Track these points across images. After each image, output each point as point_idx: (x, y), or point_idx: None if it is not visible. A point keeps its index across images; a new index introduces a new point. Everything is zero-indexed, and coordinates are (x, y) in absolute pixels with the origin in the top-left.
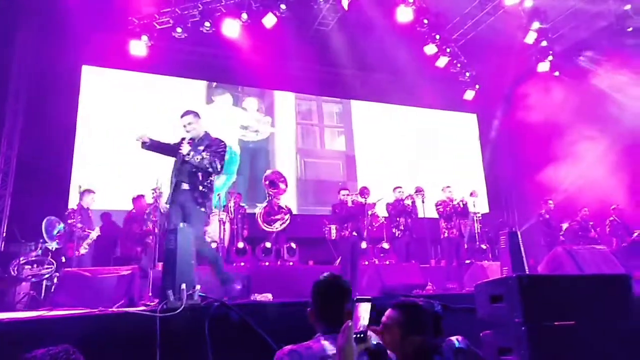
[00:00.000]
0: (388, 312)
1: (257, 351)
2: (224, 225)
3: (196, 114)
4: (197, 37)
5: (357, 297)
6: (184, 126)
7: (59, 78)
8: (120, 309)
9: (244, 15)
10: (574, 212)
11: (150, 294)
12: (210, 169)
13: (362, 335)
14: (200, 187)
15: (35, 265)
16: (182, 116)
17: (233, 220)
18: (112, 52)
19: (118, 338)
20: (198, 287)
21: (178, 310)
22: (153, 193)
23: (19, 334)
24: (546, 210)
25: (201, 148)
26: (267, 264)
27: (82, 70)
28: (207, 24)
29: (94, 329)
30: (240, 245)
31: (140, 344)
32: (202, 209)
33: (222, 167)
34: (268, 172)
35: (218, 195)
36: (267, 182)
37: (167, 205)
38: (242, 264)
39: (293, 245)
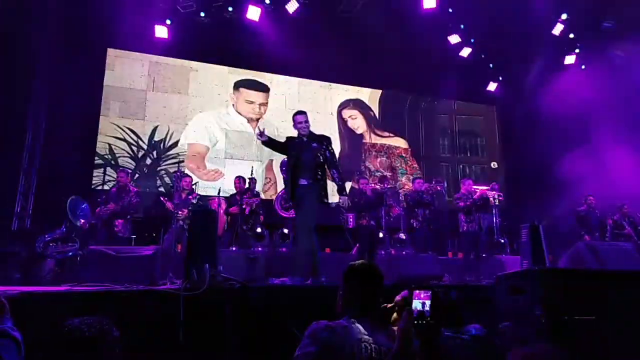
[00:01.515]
0: (403, 292)
1: (275, 332)
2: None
3: (307, 114)
4: (220, 22)
5: (413, 285)
6: (300, 123)
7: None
8: (145, 287)
9: (267, 0)
10: (612, 209)
11: (170, 274)
12: (325, 164)
13: (423, 322)
14: (322, 182)
15: (59, 243)
16: (297, 115)
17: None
18: (137, 35)
19: (142, 314)
20: (220, 268)
21: (201, 290)
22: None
23: (51, 305)
24: (587, 207)
25: (316, 145)
26: (284, 249)
27: (107, 53)
28: (229, 8)
29: (120, 304)
30: (258, 230)
31: (164, 321)
32: (325, 201)
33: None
34: (284, 158)
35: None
36: (284, 169)
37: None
38: (259, 248)
39: (285, 230)
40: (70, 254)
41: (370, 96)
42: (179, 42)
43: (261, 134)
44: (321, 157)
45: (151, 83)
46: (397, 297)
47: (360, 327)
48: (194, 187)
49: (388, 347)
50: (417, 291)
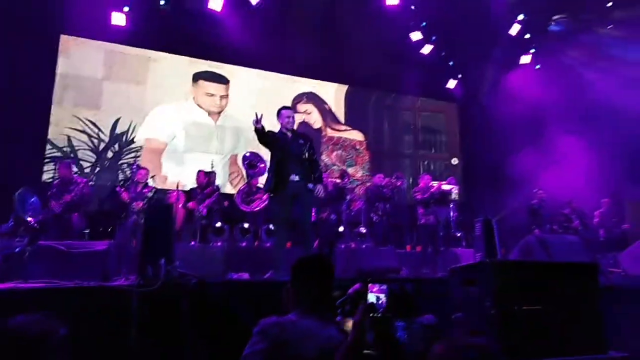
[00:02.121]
0: (355, 285)
1: (233, 328)
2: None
3: (292, 109)
4: (180, 11)
5: (370, 279)
6: (287, 118)
7: (35, 46)
8: (97, 283)
9: None
10: (561, 203)
11: (124, 270)
12: (313, 159)
13: (377, 315)
14: (312, 177)
15: (6, 238)
16: (283, 109)
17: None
18: (92, 22)
19: (94, 312)
20: (177, 263)
21: (156, 286)
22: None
23: None
24: (538, 201)
25: (302, 141)
26: (244, 244)
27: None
28: None
29: (70, 301)
30: (218, 224)
31: (117, 319)
32: (316, 195)
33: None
34: (246, 153)
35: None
36: (245, 163)
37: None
38: (219, 243)
39: (271, 226)
40: (18, 249)
41: (336, 91)
42: (138, 31)
43: (258, 120)
44: (306, 154)
45: (108, 72)
46: (350, 290)
47: (310, 322)
48: (151, 180)
49: (339, 340)
50: (372, 285)
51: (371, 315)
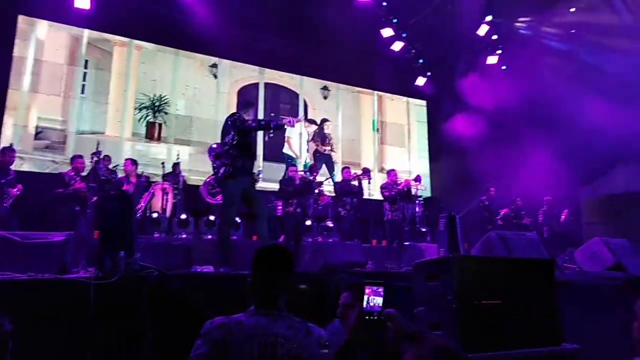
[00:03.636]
0: (344, 294)
1: (195, 322)
2: (167, 196)
3: None
4: None
5: (366, 281)
6: (248, 106)
7: None
8: (52, 276)
9: None
10: (509, 200)
11: (84, 262)
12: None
13: (373, 318)
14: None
15: None
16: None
17: (176, 191)
18: (54, 4)
19: (49, 306)
20: (138, 255)
21: (114, 279)
22: (93, 157)
23: None
24: (487, 197)
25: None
26: (209, 237)
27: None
28: None
29: (22, 295)
30: (183, 216)
31: (72, 313)
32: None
33: None
34: (213, 144)
35: (162, 163)
36: (212, 155)
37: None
38: (184, 235)
39: (237, 219)
40: None
41: (305, 84)
42: (103, 15)
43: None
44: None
45: (70, 57)
46: (341, 300)
47: (260, 320)
48: (113, 169)
49: (286, 337)
50: (368, 286)
51: (367, 318)
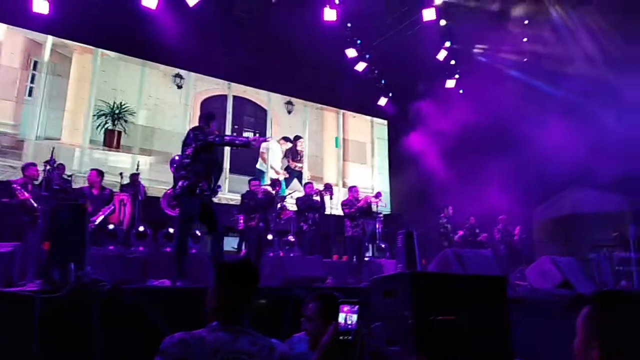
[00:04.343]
0: (310, 305)
1: (149, 337)
2: (124, 207)
3: None
4: (111, 4)
5: (342, 299)
6: (210, 117)
7: None
8: None
9: None
10: (465, 219)
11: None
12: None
13: (348, 339)
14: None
15: None
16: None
17: (135, 203)
18: (12, 7)
19: None
20: (88, 268)
21: (63, 292)
22: (46, 165)
23: None
24: (445, 215)
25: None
26: (168, 249)
27: None
28: None
29: None
30: (141, 228)
31: (15, 329)
32: None
33: None
34: (175, 156)
35: (121, 173)
36: (174, 166)
37: None
38: (141, 248)
39: (197, 232)
40: None
41: (269, 99)
42: (63, 20)
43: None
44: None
45: (25, 61)
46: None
47: (220, 335)
48: (68, 178)
49: (250, 354)
50: (343, 304)
51: (341, 338)
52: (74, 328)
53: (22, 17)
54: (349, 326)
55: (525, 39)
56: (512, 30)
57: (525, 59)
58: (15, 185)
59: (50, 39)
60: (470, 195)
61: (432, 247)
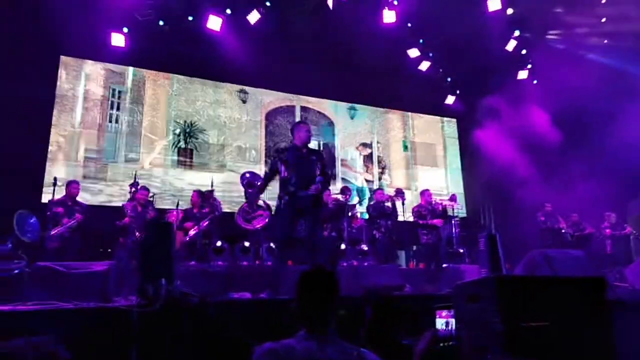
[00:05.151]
0: (367, 310)
1: (234, 348)
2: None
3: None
4: (179, 31)
5: (437, 305)
6: (307, 132)
7: (35, 68)
8: (96, 304)
9: (228, 11)
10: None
11: (125, 291)
12: (325, 172)
13: (450, 344)
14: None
15: (4, 260)
16: (301, 124)
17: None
18: (92, 43)
19: (93, 334)
20: (177, 282)
21: (156, 306)
22: (131, 188)
23: None
24: (543, 213)
25: (314, 157)
26: (245, 263)
27: (60, 61)
28: (190, 17)
29: (69, 323)
30: (219, 243)
31: (117, 340)
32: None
33: None
34: (246, 173)
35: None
36: (244, 183)
37: None
38: (219, 262)
39: (272, 245)
40: (16, 271)
41: (333, 108)
42: (139, 51)
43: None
44: (318, 171)
45: (107, 91)
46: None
47: (311, 345)
48: (150, 199)
49: None
50: (440, 310)
51: (442, 345)
52: (166, 339)
53: (102, 52)
54: (451, 331)
55: (603, 20)
56: (588, 10)
57: (605, 41)
58: (129, 206)
59: (130, 69)
60: (557, 192)
61: (519, 249)
